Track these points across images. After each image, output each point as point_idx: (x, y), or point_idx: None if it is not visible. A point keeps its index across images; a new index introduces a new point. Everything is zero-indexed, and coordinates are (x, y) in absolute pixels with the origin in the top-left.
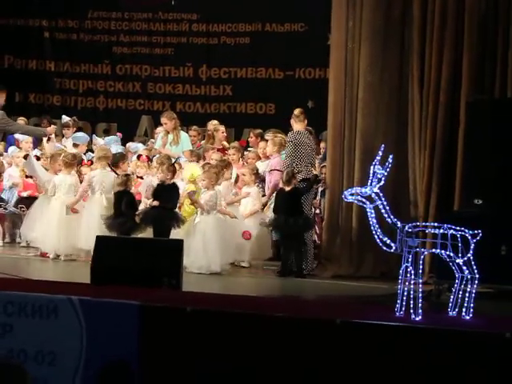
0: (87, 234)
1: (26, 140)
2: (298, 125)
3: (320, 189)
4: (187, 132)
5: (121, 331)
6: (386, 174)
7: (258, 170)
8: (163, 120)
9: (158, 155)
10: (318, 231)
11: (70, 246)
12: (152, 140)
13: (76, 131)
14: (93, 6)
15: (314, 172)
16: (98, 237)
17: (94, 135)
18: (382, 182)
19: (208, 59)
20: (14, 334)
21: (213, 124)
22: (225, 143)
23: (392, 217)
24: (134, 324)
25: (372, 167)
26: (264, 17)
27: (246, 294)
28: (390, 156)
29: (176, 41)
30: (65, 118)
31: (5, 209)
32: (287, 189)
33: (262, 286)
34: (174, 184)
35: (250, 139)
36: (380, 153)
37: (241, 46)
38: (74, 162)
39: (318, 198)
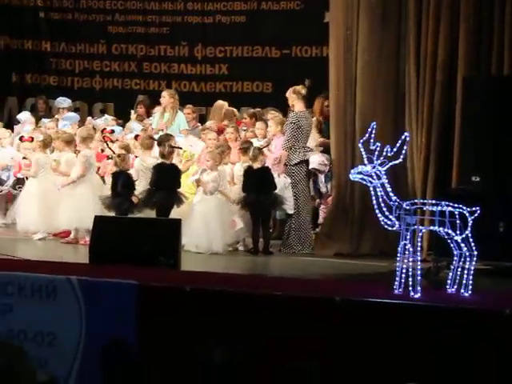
0: (82, 213)
1: (29, 121)
2: (300, 104)
3: (322, 176)
4: (182, 111)
5: (120, 311)
6: (393, 152)
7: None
8: (163, 94)
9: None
10: (323, 210)
11: (66, 225)
12: (150, 119)
13: (73, 112)
14: None
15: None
16: (96, 217)
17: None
18: (387, 162)
19: (203, 38)
20: (14, 314)
21: (222, 104)
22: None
23: (392, 195)
24: (132, 303)
25: (360, 145)
26: None
27: (245, 273)
28: (373, 124)
29: (171, 20)
30: (64, 101)
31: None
32: (255, 166)
33: (260, 265)
34: (173, 165)
35: (244, 120)
36: (370, 130)
37: (236, 25)
38: (49, 141)
39: (322, 180)
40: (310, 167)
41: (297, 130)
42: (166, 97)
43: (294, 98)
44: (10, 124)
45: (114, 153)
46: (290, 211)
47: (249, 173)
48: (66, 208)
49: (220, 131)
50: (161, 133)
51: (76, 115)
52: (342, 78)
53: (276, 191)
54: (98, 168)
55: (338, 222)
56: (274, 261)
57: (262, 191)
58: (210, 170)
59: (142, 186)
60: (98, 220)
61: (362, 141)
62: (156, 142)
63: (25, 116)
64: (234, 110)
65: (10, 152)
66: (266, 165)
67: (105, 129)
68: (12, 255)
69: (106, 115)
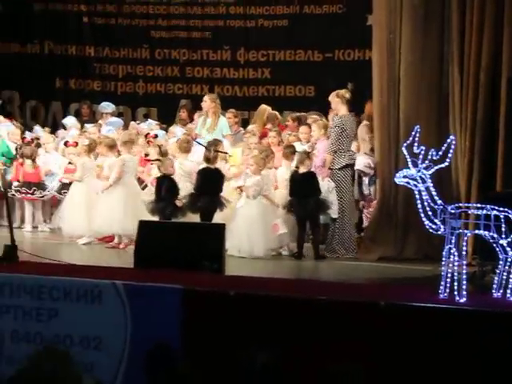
0: (116, 217)
1: (74, 126)
2: (343, 107)
3: (366, 179)
4: (224, 115)
5: (164, 315)
6: (438, 156)
7: (295, 151)
8: (205, 98)
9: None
10: (367, 215)
11: (102, 230)
12: (193, 123)
13: (117, 116)
14: None
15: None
16: (140, 221)
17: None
18: (433, 166)
19: (246, 42)
20: (60, 319)
21: (268, 108)
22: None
23: (436, 199)
24: (177, 308)
25: (403, 148)
26: None
27: (289, 277)
28: (416, 127)
29: (213, 24)
30: (109, 106)
31: (40, 196)
32: (301, 171)
33: (305, 270)
34: (217, 169)
35: (287, 123)
36: (413, 133)
37: (279, 29)
38: (94, 146)
39: (366, 183)
40: (356, 168)
41: (341, 134)
42: (208, 101)
43: (338, 101)
44: (54, 129)
45: (159, 157)
46: (334, 215)
47: (295, 177)
48: (102, 212)
49: (263, 135)
50: (208, 138)
51: (120, 120)
52: (385, 81)
53: (321, 196)
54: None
55: (382, 226)
56: (317, 265)
57: (308, 196)
58: (253, 174)
59: (182, 189)
60: (143, 224)
61: (405, 144)
62: (196, 145)
63: (70, 121)
64: (277, 113)
65: (55, 157)
66: (311, 169)
67: (148, 133)
68: (57, 260)
69: (150, 120)
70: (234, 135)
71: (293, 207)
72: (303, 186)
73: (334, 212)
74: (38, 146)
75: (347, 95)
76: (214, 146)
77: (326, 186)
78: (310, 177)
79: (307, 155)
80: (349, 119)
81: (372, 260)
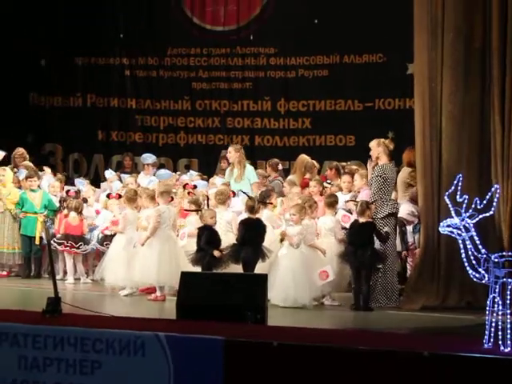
0: (159, 268)
1: (112, 179)
2: (385, 157)
3: (409, 227)
4: (265, 165)
5: (207, 366)
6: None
7: (337, 200)
8: (229, 149)
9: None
10: (411, 264)
11: (142, 281)
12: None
13: (158, 169)
14: (172, 42)
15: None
16: (182, 272)
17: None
18: (477, 215)
19: (286, 92)
20: (103, 371)
21: (308, 159)
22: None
23: (480, 248)
24: (219, 359)
25: (446, 198)
26: (342, 49)
27: (332, 327)
28: (458, 176)
29: (254, 75)
30: (150, 157)
31: (83, 250)
32: (361, 221)
33: (347, 319)
34: (259, 220)
35: (326, 173)
36: (456, 182)
37: (319, 79)
38: (136, 198)
39: (410, 232)
40: (399, 216)
41: (383, 183)
42: (232, 152)
43: (381, 151)
44: (96, 181)
45: (200, 208)
46: (378, 266)
47: (354, 227)
48: (141, 264)
49: (303, 185)
50: (236, 188)
51: (169, 172)
52: (427, 130)
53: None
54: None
55: (425, 275)
56: (360, 315)
57: (364, 245)
58: (295, 223)
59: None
60: (185, 275)
61: (447, 193)
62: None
63: (110, 174)
64: (314, 162)
65: (97, 210)
66: (370, 220)
67: (187, 184)
68: (100, 312)
69: (191, 171)
70: (270, 182)
71: (348, 257)
72: (361, 236)
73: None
74: (85, 200)
75: (391, 146)
76: (267, 197)
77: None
78: (369, 227)
79: (367, 205)
80: (390, 168)
81: (415, 309)
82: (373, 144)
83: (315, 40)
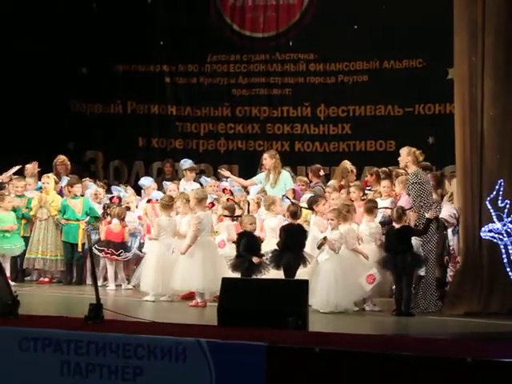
0: (200, 275)
1: (152, 186)
2: (415, 166)
3: (450, 229)
4: (306, 171)
5: (249, 372)
6: None
7: (377, 205)
8: (264, 156)
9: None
10: (452, 269)
11: (183, 288)
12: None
13: (197, 174)
14: (212, 49)
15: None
16: (223, 278)
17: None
18: None
19: (326, 98)
20: (145, 377)
21: (348, 164)
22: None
23: None
24: (261, 365)
25: (487, 203)
26: (381, 54)
27: (374, 333)
28: (500, 181)
29: (293, 81)
30: (186, 162)
31: (124, 257)
32: (397, 226)
33: (389, 325)
34: (300, 225)
35: (366, 178)
36: (497, 187)
37: (359, 84)
38: (171, 204)
39: (450, 237)
40: (440, 217)
41: (421, 189)
42: (268, 158)
43: (410, 160)
44: (137, 188)
45: (233, 214)
46: (422, 273)
47: (390, 233)
48: (182, 271)
49: (340, 190)
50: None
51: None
52: (467, 135)
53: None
54: None
55: (467, 281)
56: (401, 320)
57: (403, 251)
58: (333, 228)
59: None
60: (226, 281)
61: (489, 198)
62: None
63: (147, 181)
64: (348, 167)
65: (139, 216)
66: (407, 224)
67: (225, 189)
68: (141, 318)
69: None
70: (312, 188)
71: (388, 263)
72: (399, 242)
73: (422, 270)
74: (128, 208)
75: (421, 158)
76: (314, 203)
77: (413, 243)
78: (406, 232)
79: (403, 211)
80: (422, 173)
81: (457, 315)
82: (403, 152)
83: (355, 45)
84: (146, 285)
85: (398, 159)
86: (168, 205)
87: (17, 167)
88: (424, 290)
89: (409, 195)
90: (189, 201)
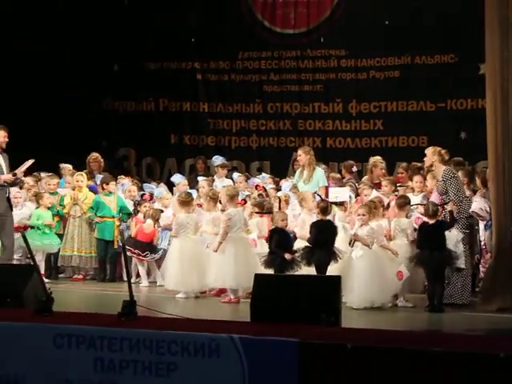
0: (233, 271)
1: (182, 183)
2: (442, 164)
3: (481, 223)
4: (338, 167)
5: (281, 368)
6: None
7: (409, 201)
8: (299, 152)
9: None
10: (483, 265)
11: (216, 284)
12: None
13: (229, 171)
14: (243, 46)
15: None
16: (256, 274)
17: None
18: None
19: (357, 94)
20: (179, 373)
21: (374, 159)
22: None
23: None
24: (294, 361)
25: None
26: (413, 49)
27: (406, 328)
28: None
29: (325, 77)
30: (217, 159)
31: (150, 258)
32: (431, 222)
33: (422, 321)
34: (330, 221)
35: (398, 174)
36: None
37: (390, 80)
38: (189, 200)
39: (482, 231)
40: (471, 210)
41: (458, 182)
42: (302, 155)
43: (436, 159)
44: (169, 185)
45: (263, 210)
46: (462, 265)
47: (424, 229)
48: (215, 268)
49: (376, 186)
50: (305, 189)
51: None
52: (499, 130)
53: (449, 247)
54: None
55: (500, 276)
56: (434, 316)
57: (436, 248)
58: (364, 223)
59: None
60: (259, 278)
61: None
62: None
63: (178, 178)
64: (374, 160)
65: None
66: (439, 219)
67: (257, 186)
68: (174, 314)
69: (264, 173)
70: (344, 183)
71: (421, 259)
72: (433, 238)
73: (461, 262)
74: (161, 211)
75: (446, 157)
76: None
77: (454, 237)
78: (439, 227)
79: (436, 207)
80: (453, 169)
81: (491, 311)
82: (428, 152)
83: (386, 41)
84: (169, 282)
85: (424, 159)
86: (186, 201)
87: (30, 161)
88: (462, 282)
89: (445, 192)
90: (213, 198)
